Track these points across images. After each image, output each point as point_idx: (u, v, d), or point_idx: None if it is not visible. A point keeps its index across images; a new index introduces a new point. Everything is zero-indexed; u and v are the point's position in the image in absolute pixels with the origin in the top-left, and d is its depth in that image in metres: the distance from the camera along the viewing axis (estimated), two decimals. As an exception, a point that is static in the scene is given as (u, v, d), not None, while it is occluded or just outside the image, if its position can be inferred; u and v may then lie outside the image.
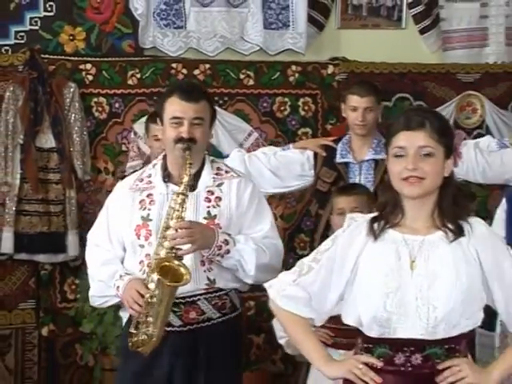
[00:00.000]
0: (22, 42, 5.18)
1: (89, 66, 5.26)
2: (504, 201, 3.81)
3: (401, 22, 5.80)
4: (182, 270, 3.06)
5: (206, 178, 3.28)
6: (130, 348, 3.17)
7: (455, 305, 2.46)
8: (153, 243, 3.21)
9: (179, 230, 3.11)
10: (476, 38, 5.91)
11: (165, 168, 3.32)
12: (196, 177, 3.25)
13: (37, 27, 5.21)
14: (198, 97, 3.25)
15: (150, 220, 3.24)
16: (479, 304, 2.53)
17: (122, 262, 3.31)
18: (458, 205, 2.55)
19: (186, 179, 3.14)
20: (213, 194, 3.27)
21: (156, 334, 3.10)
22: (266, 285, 2.71)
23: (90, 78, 5.26)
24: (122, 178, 4.39)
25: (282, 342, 3.55)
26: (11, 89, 5.03)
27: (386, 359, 2.50)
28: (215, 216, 3.24)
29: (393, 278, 2.50)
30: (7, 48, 5.17)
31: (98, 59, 5.28)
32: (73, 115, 5.15)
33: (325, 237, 3.76)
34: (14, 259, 5.13)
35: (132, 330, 3.16)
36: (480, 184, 4.89)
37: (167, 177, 3.30)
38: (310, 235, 5.08)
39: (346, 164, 4.34)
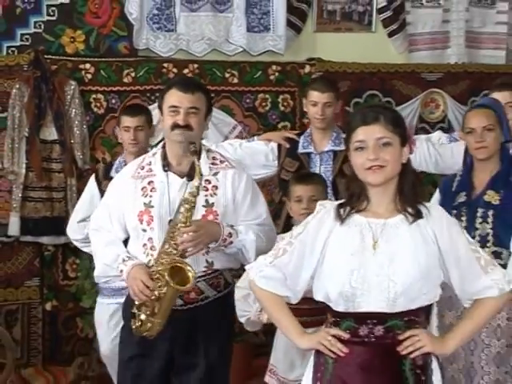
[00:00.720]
0: (27, 43, 5.34)
1: (88, 65, 5.41)
2: (437, 191, 3.91)
3: (371, 26, 6.00)
4: (190, 275, 3.12)
5: (203, 167, 3.28)
6: (134, 333, 3.23)
7: (413, 280, 2.56)
8: (155, 228, 3.26)
9: (185, 235, 3.15)
10: (439, 40, 6.13)
11: (164, 157, 3.35)
12: (193, 166, 3.26)
13: (40, 30, 5.36)
14: (194, 89, 3.32)
15: (152, 207, 3.27)
16: (436, 281, 2.63)
17: (126, 245, 3.37)
18: (416, 190, 2.66)
19: (195, 185, 3.17)
20: (210, 182, 3.31)
21: (160, 322, 3.18)
22: (247, 267, 2.81)
23: (89, 76, 5.41)
24: (95, 171, 4.60)
25: (242, 320, 3.65)
26: (17, 86, 5.20)
27: (352, 331, 2.61)
28: (213, 204, 3.29)
29: (357, 257, 2.59)
30: (13, 49, 5.33)
31: (96, 59, 5.42)
32: (73, 110, 5.31)
33: (288, 222, 4.00)
34: (21, 241, 5.31)
35: (135, 311, 3.23)
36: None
37: (167, 165, 3.32)
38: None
39: (308, 154, 4.38)
